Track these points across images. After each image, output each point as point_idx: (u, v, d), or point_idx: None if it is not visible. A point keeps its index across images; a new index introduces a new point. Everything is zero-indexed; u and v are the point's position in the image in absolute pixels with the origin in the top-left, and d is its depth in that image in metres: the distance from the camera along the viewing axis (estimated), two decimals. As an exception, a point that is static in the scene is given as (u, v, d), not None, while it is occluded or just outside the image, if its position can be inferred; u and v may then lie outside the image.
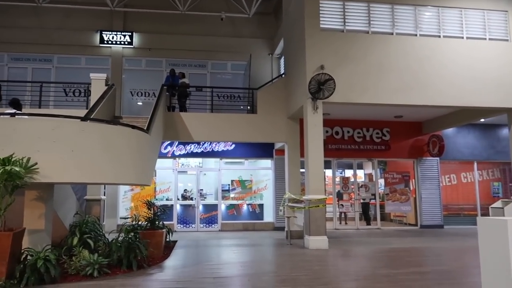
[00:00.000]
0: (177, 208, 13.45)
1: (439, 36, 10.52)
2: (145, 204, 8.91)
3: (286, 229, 10.24)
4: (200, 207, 13.56)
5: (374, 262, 7.54)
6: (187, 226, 13.41)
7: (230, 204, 13.79)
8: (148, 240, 8.00)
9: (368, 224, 14.10)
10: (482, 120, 13.71)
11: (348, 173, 15.83)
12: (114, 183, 7.32)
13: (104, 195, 13.02)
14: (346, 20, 10.22)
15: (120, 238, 7.26)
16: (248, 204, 13.88)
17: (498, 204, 10.59)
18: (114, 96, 11.53)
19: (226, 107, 13.33)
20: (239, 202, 13.84)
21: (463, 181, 14.86)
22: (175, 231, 12.94)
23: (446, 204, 14.47)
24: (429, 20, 10.61)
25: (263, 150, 13.85)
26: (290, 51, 11.76)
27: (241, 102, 13.11)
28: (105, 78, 11.17)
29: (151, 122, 8.73)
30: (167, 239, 9.65)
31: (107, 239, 7.88)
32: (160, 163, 13.54)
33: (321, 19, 10.02)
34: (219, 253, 8.79)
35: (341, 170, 17.17)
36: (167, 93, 11.93)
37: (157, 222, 8.70)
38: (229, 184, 14.06)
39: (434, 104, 10.19)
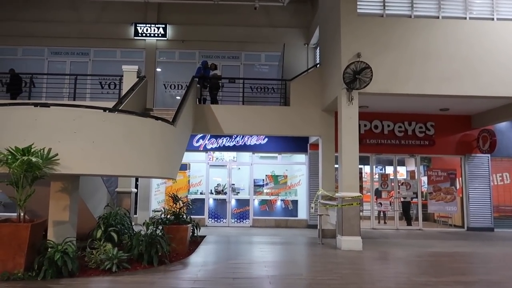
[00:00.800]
0: (209, 202, 13.26)
1: (493, 19, 9.48)
2: (171, 198, 8.70)
3: (318, 227, 9.72)
4: (232, 202, 13.29)
5: (411, 267, 6.87)
6: (218, 221, 13.20)
7: (262, 200, 13.41)
8: (171, 235, 7.82)
9: (409, 224, 13.22)
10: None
11: (389, 170, 14.95)
12: (136, 175, 7.18)
13: (136, 187, 13.09)
14: (386, 4, 9.45)
15: (143, 232, 7.10)
16: (281, 200, 13.44)
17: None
18: (146, 88, 11.46)
19: (259, 99, 12.92)
20: (272, 197, 13.43)
21: (518, 181, 13.55)
22: (206, 226, 12.85)
23: (497, 205, 13.27)
24: (481, 1, 9.58)
25: (297, 144, 13.33)
26: (326, 39, 11.12)
27: (274, 95, 12.64)
28: (136, 70, 11.12)
29: (177, 114, 8.49)
30: (195, 234, 9.46)
31: (135, 232, 7.77)
32: (193, 156, 13.46)
33: (358, 3, 9.33)
34: (245, 250, 8.44)
35: (381, 167, 16.31)
36: (198, 85, 11.70)
37: (182, 216, 8.47)
38: (262, 179, 13.68)
39: (487, 95, 9.23)
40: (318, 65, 11.64)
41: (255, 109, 11.43)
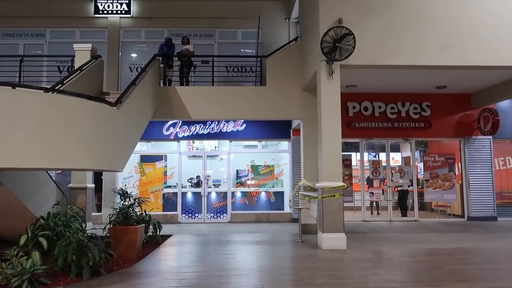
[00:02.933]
0: (182, 196, 11.95)
1: (497, -24, 8.12)
2: (117, 194, 7.40)
3: (298, 223, 8.45)
4: (209, 195, 11.99)
5: (403, 271, 5.60)
6: (193, 217, 11.91)
7: (242, 192, 12.12)
8: (117, 238, 6.54)
9: (404, 215, 11.97)
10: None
11: (383, 156, 13.66)
12: (56, 168, 5.88)
13: (101, 182, 11.79)
14: (371, -39, 8.05)
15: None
16: (262, 193, 12.15)
17: None
18: (101, 69, 10.06)
19: (235, 79, 11.54)
20: (252, 190, 12.14)
21: (522, 165, 12.29)
22: (179, 223, 11.60)
23: (500, 192, 12.03)
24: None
25: (279, 130, 12.01)
26: (305, 9, 9.74)
27: (252, 75, 11.24)
28: (90, 48, 9.75)
29: (123, 95, 7.14)
30: (155, 234, 8.21)
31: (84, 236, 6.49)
32: (170, 146, 12.16)
33: (338, -40, 7.93)
34: (208, 254, 7.16)
35: (374, 154, 15.05)
36: (162, 65, 10.32)
37: (133, 215, 7.17)
38: (241, 170, 12.38)
39: (492, 64, 7.90)
40: (297, 39, 10.26)
41: (227, 90, 10.08)
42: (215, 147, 12.42)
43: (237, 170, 12.35)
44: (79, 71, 8.61)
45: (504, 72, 9.16)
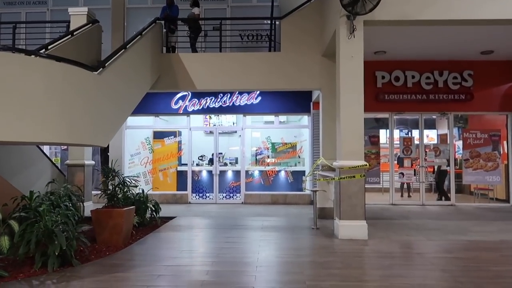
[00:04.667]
0: (191, 175, 11.11)
1: None
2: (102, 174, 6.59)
3: (313, 207, 7.38)
4: (220, 174, 11.09)
5: (435, 272, 4.47)
6: (204, 197, 11.08)
7: (256, 171, 11.13)
8: (95, 224, 5.76)
9: (443, 199, 10.60)
10: None
11: (416, 133, 12.27)
12: (22, 141, 5.07)
13: (107, 159, 11.14)
14: None
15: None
16: (279, 172, 11.11)
17: None
18: (99, 36, 9.16)
19: (247, 46, 10.35)
20: (268, 169, 11.12)
21: None
22: (189, 203, 10.81)
23: (552, 174, 10.43)
24: None
25: (298, 103, 10.84)
26: (326, -40, 8.39)
27: (266, 40, 10.02)
28: (86, 13, 8.83)
29: (108, 59, 6.20)
30: (155, 216, 7.43)
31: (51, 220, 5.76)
32: (178, 121, 11.36)
33: None
34: (207, 240, 6.27)
35: (407, 130, 13.66)
36: (164, 30, 9.31)
37: (121, 196, 6.35)
38: (255, 147, 11.38)
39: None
40: (317, -3, 8.94)
41: (236, 57, 8.98)
42: (234, 123, 11.42)
43: (252, 148, 11.35)
44: (69, 36, 7.73)
45: None
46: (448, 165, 10.64)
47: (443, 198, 10.63)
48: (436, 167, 10.96)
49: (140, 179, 11.09)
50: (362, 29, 6.35)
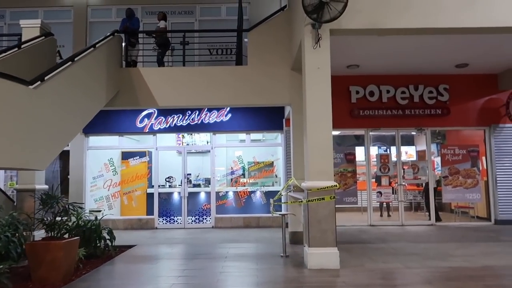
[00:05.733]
0: (158, 198, 10.37)
1: None
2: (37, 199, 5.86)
3: (282, 233, 6.76)
4: (189, 196, 10.38)
5: (414, 310, 3.88)
6: (171, 221, 10.33)
7: (227, 193, 10.48)
8: (30, 259, 5.01)
9: (438, 219, 10.05)
10: None
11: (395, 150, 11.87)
12: None
13: (67, 182, 10.35)
14: None
15: None
16: (251, 193, 10.49)
17: None
18: (54, 49, 8.53)
19: (216, 61, 9.85)
20: (240, 190, 10.49)
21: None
22: (156, 228, 10.04)
23: (533, 190, 10.09)
24: None
25: (270, 120, 10.34)
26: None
27: (234, 54, 9.57)
28: (39, 25, 8.22)
29: (49, 72, 5.57)
30: (109, 244, 6.70)
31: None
32: (145, 140, 10.78)
33: None
34: (159, 275, 5.56)
35: (385, 147, 13.24)
36: (124, 43, 8.75)
37: (64, 226, 5.61)
38: (226, 167, 10.77)
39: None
40: (285, 8, 8.54)
41: (202, 71, 8.44)
42: (207, 142, 10.77)
43: (223, 168, 10.73)
44: (16, 49, 7.08)
45: None
46: (438, 183, 10.21)
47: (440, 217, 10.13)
48: (424, 185, 10.48)
49: (102, 203, 10.40)
50: (328, 39, 5.90)
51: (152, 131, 10.40)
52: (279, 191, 10.33)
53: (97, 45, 7.32)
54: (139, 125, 10.37)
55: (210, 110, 10.30)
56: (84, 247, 6.06)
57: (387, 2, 5.98)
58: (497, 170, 9.87)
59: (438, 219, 10.05)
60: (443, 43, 7.78)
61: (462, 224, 9.83)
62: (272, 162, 10.74)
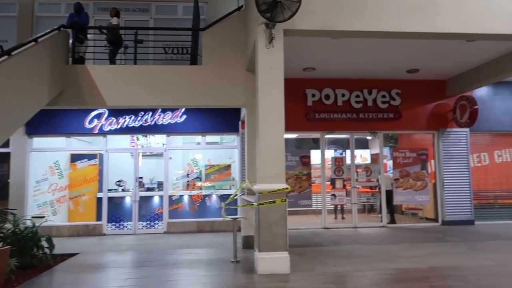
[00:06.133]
0: (107, 203, 9.87)
1: None
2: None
3: (233, 237, 6.59)
4: (140, 201, 9.97)
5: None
6: (121, 227, 9.86)
7: (181, 196, 10.17)
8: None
9: (393, 221, 10.27)
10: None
11: (356, 153, 12.02)
12: None
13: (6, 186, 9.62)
14: None
15: None
16: (205, 197, 10.24)
17: None
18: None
19: (172, 61, 9.54)
20: (194, 193, 10.21)
21: (499, 161, 10.87)
22: (104, 235, 9.55)
23: (476, 192, 10.56)
24: None
25: (226, 122, 10.14)
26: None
27: (189, 54, 9.31)
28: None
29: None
30: (47, 253, 6.22)
31: None
32: (95, 142, 10.23)
33: None
34: (98, 286, 5.21)
35: (341, 151, 13.43)
36: (71, 39, 8.27)
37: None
38: (180, 170, 10.46)
39: (474, 32, 6.23)
40: (241, 8, 8.41)
41: (154, 70, 8.12)
42: (163, 144, 10.36)
43: (178, 171, 10.41)
44: None
45: (481, 52, 7.81)
46: (378, 185, 10.42)
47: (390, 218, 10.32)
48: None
49: (46, 208, 9.78)
50: (282, 39, 5.82)
51: (102, 132, 9.90)
52: (227, 195, 10.24)
53: (39, 40, 6.83)
54: (88, 126, 9.84)
55: (164, 111, 9.96)
56: (18, 257, 5.58)
57: (340, 5, 6.00)
58: (444, 173, 10.25)
59: (393, 221, 10.28)
60: (395, 48, 7.96)
61: (412, 226, 10.11)
62: (229, 165, 10.56)
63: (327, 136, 10.34)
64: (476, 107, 9.62)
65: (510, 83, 10.52)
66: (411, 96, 10.27)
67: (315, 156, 10.56)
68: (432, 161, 10.56)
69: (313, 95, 10.08)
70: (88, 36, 8.76)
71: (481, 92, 10.47)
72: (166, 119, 10.01)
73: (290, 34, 5.94)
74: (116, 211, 9.91)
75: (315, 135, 10.57)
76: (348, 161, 10.56)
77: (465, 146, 10.40)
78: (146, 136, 10.41)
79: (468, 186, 10.30)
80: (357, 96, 10.17)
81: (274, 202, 5.47)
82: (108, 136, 10.05)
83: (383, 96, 10.22)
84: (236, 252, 6.36)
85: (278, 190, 5.49)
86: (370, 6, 6.03)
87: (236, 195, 7.47)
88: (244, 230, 7.60)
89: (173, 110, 9.95)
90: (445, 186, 10.22)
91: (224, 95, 8.04)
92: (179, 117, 10.05)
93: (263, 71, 5.79)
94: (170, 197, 10.04)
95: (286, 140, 12.23)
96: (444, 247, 7.22)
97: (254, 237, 6.95)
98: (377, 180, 10.54)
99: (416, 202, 10.40)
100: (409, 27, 6.08)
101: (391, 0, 6.08)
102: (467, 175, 10.33)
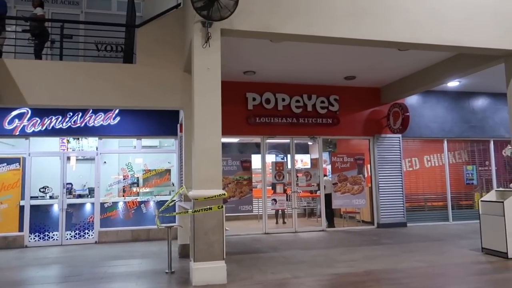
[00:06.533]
0: (29, 211, 8.97)
1: None
2: None
3: (168, 246, 6.21)
4: (68, 208, 9.19)
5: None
6: (46, 238, 9.01)
7: (114, 204, 9.53)
8: None
9: (332, 226, 10.38)
10: (456, 82, 10.45)
11: (296, 157, 12.10)
12: None
13: None
14: None
15: None
16: (140, 203, 9.69)
17: (491, 195, 7.16)
18: None
19: (105, 56, 8.94)
20: (128, 199, 9.62)
21: (428, 165, 11.49)
22: (26, 247, 8.67)
23: (408, 195, 11.06)
24: None
25: (164, 125, 9.69)
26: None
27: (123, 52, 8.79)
28: None
29: None
30: None
31: None
32: (18, 144, 9.25)
33: None
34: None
35: (282, 155, 13.46)
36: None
37: None
38: (114, 175, 9.81)
39: (400, 41, 6.42)
40: (179, 5, 8.08)
41: (83, 67, 7.50)
42: (97, 148, 9.61)
43: (108, 175, 9.75)
44: None
45: (413, 62, 8.22)
46: (318, 189, 10.54)
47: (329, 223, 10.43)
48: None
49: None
50: (219, 39, 5.60)
51: (24, 134, 9.00)
52: (164, 202, 9.79)
53: None
54: (7, 126, 8.89)
55: (96, 112, 9.30)
56: None
57: (278, 7, 5.90)
58: (379, 177, 10.61)
59: (332, 224, 10.43)
60: (333, 55, 8.08)
61: (350, 229, 10.32)
62: (167, 169, 10.09)
63: (268, 140, 10.27)
64: (408, 114, 10.08)
65: (437, 92, 11.17)
66: (349, 103, 10.54)
67: (256, 160, 10.45)
68: (368, 165, 10.89)
69: (254, 99, 9.97)
70: (7, 27, 7.92)
71: (412, 100, 11.01)
72: (98, 120, 9.34)
73: (228, 34, 5.74)
74: (40, 220, 9.04)
75: (257, 139, 10.45)
76: (289, 165, 10.57)
77: (398, 151, 10.86)
78: (78, 138, 9.66)
79: (401, 190, 10.75)
80: (297, 101, 10.22)
81: (210, 209, 5.21)
82: (32, 139, 9.18)
83: (322, 102, 10.37)
84: (171, 262, 5.99)
85: (215, 196, 5.23)
86: (307, 9, 6.00)
87: (172, 201, 7.07)
88: (181, 238, 7.25)
89: (105, 111, 9.32)
90: (380, 190, 10.57)
91: (159, 96, 7.63)
92: (112, 119, 9.43)
93: (199, 72, 5.53)
94: (102, 204, 9.36)
95: (229, 144, 12.08)
96: (379, 250, 7.38)
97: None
98: (317, 185, 10.64)
99: (354, 205, 10.65)
100: (338, 33, 6.11)
101: (324, 6, 6.08)
102: (400, 179, 10.78)
